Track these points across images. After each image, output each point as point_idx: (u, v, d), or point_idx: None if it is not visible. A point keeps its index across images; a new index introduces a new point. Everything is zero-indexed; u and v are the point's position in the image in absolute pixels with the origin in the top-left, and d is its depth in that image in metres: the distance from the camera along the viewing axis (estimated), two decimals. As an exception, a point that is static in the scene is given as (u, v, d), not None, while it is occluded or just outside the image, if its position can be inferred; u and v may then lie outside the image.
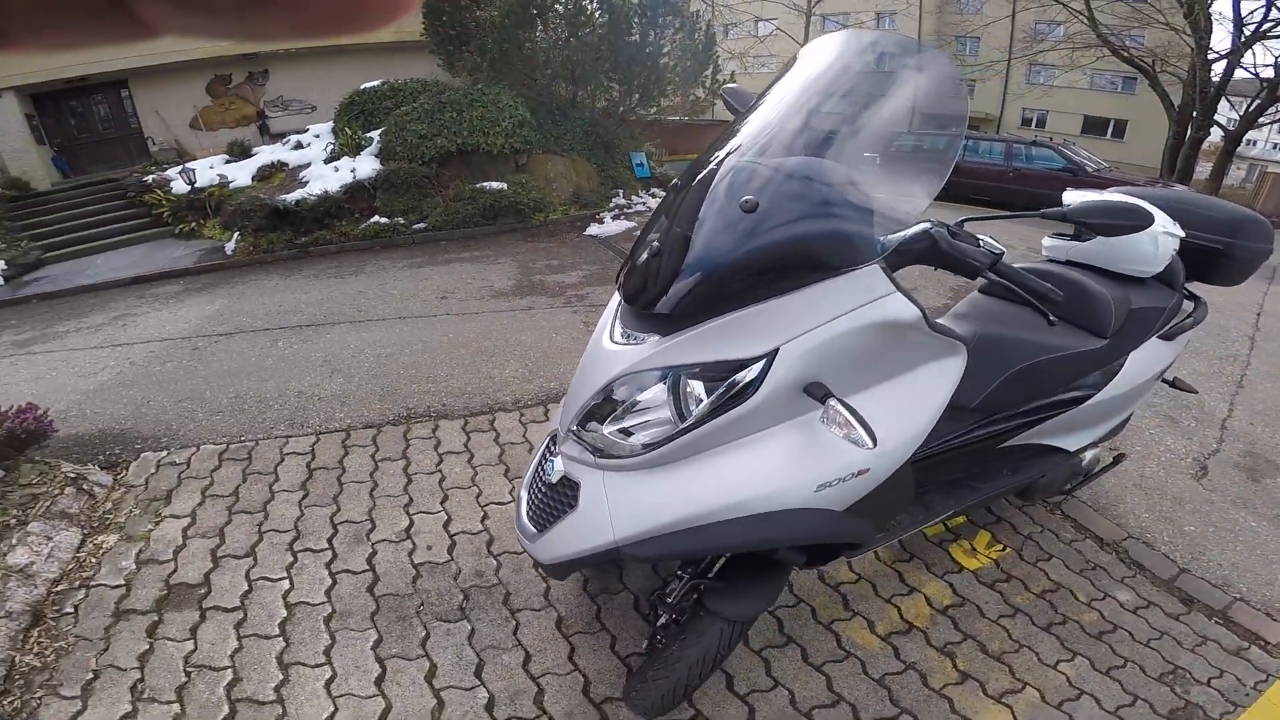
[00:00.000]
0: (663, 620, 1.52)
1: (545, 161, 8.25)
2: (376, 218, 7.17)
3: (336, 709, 1.68)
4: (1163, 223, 1.93)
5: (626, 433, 1.20)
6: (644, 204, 8.83)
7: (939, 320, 1.39)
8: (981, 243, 1.27)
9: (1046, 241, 2.25)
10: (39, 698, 1.73)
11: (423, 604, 2.01)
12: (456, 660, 1.81)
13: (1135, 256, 2.01)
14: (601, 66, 8.15)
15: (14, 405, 2.92)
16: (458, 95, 7.60)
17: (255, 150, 9.03)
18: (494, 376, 3.67)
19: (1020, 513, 2.55)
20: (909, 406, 1.27)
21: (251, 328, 4.84)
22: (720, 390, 1.13)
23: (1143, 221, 1.29)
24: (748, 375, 1.12)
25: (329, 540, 2.33)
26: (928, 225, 1.26)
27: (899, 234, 1.26)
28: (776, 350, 1.11)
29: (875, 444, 1.02)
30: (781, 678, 1.78)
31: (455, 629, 1.90)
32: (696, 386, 1.14)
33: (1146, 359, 2.03)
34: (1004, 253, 1.28)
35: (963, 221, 1.38)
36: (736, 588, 1.37)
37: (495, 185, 7.47)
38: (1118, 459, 2.46)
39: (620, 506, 1.19)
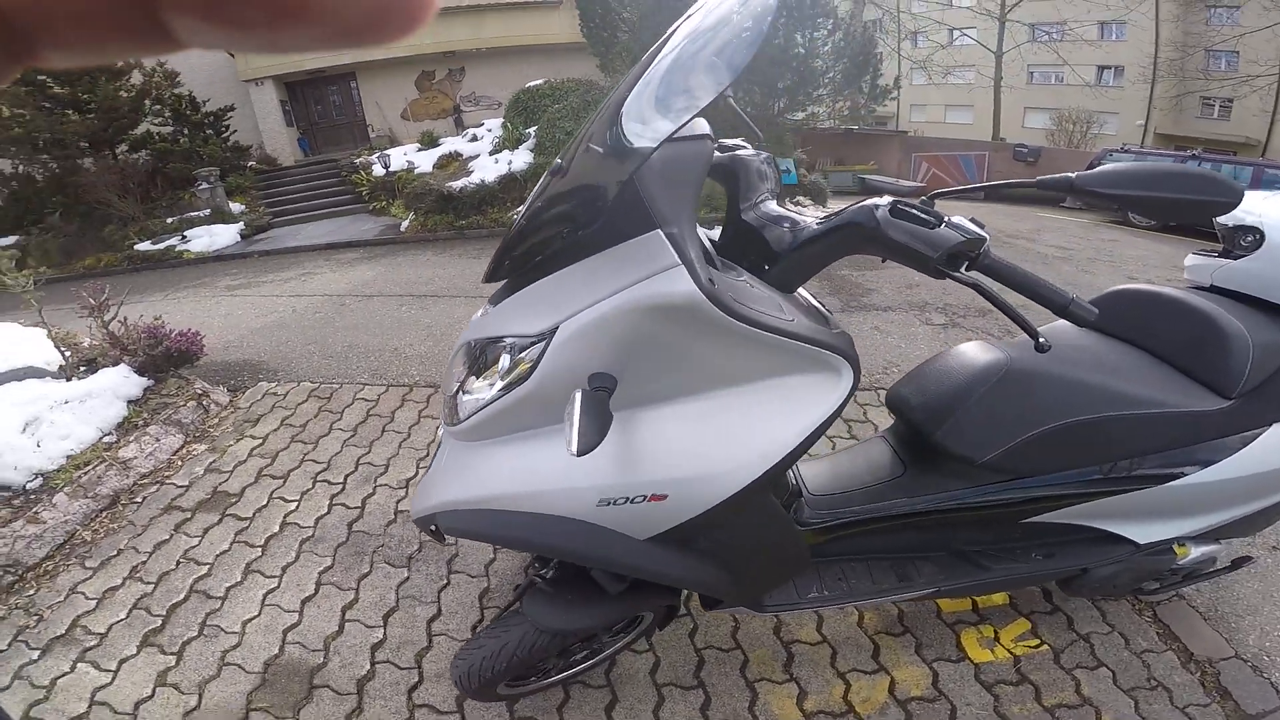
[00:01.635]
0: (509, 601, 1.43)
1: (681, 160, 8.23)
2: (518, 210, 7.67)
3: (258, 614, 1.82)
4: None
5: (459, 400, 1.13)
6: None
7: (824, 322, 1.04)
8: (949, 223, 0.91)
9: (1189, 260, 1.61)
10: (69, 564, 2.09)
11: (382, 545, 2.11)
12: (377, 600, 1.87)
13: None
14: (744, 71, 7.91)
15: (180, 330, 3.58)
16: (602, 94, 7.85)
17: (441, 141, 10.09)
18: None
19: (1093, 606, 1.89)
20: (738, 431, 0.98)
21: (390, 292, 5.44)
22: (506, 367, 0.98)
23: (1218, 195, 0.86)
24: (529, 355, 0.95)
25: (346, 476, 2.54)
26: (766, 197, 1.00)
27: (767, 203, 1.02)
28: (556, 328, 0.91)
29: (578, 451, 0.76)
30: (668, 718, 1.53)
31: (394, 574, 1.98)
32: (504, 360, 1.00)
33: None
34: (981, 239, 0.89)
35: (932, 196, 1.04)
36: (558, 596, 1.22)
37: (627, 181, 7.61)
38: (1238, 562, 1.72)
39: (446, 474, 1.10)
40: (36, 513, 2.36)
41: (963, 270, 0.91)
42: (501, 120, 9.37)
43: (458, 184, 7.75)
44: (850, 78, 9.44)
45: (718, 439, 0.97)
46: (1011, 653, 1.73)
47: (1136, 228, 10.46)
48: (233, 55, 11.44)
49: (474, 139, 9.37)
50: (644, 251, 0.85)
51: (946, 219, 0.92)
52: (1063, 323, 1.51)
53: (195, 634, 1.79)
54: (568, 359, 0.91)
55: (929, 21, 21.22)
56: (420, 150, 9.73)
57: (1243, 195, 0.90)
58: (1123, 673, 1.70)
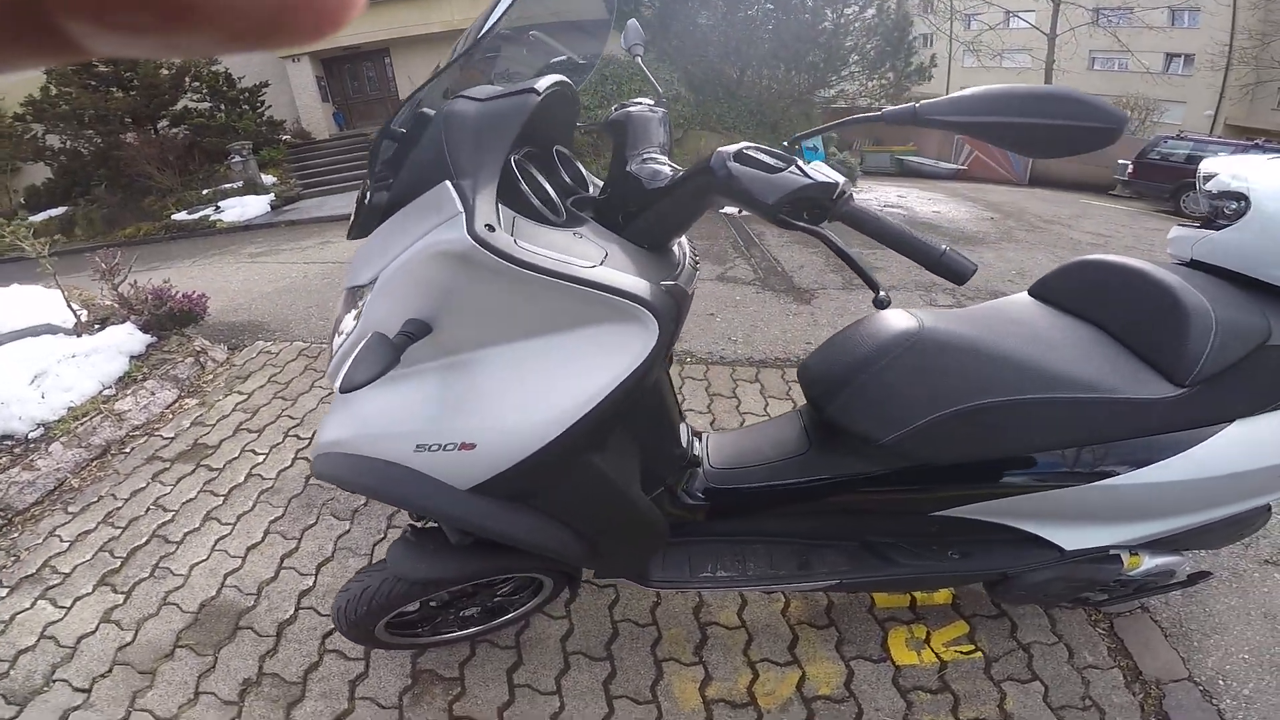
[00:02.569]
0: None
1: (700, 138, 8.08)
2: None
3: (207, 558, 1.89)
4: None
5: (333, 345, 1.12)
6: None
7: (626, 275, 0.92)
8: (797, 168, 0.83)
9: (1172, 233, 1.42)
10: (53, 509, 2.20)
11: (332, 499, 2.15)
12: (315, 550, 1.90)
13: None
14: (762, 46, 7.68)
15: (185, 292, 3.71)
16: (619, 69, 7.73)
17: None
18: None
19: (1043, 613, 1.72)
20: (541, 384, 0.93)
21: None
22: (354, 314, 0.96)
23: (1091, 120, 0.71)
24: (362, 302, 0.94)
25: (314, 432, 2.62)
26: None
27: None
28: (377, 277, 0.91)
29: (340, 388, 0.77)
30: (571, 688, 1.49)
31: (336, 526, 2.01)
32: (355, 307, 0.97)
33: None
34: (831, 185, 0.81)
35: (796, 138, 1.00)
36: (419, 546, 1.20)
37: (643, 157, 7.53)
38: (1195, 578, 1.54)
39: (330, 413, 1.07)
40: (32, 460, 2.48)
41: (806, 219, 0.84)
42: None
43: (476, 159, 7.80)
44: (884, 56, 9.09)
45: (522, 391, 0.94)
46: (940, 657, 1.59)
47: (1188, 217, 9.86)
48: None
49: (497, 114, 9.38)
50: (435, 201, 0.85)
51: (796, 164, 0.85)
52: (1019, 296, 1.43)
53: (147, 575, 1.86)
54: (385, 306, 0.90)
55: (981, 3, 20.19)
56: (445, 125, 9.80)
57: (1124, 122, 0.77)
58: (1056, 689, 1.54)
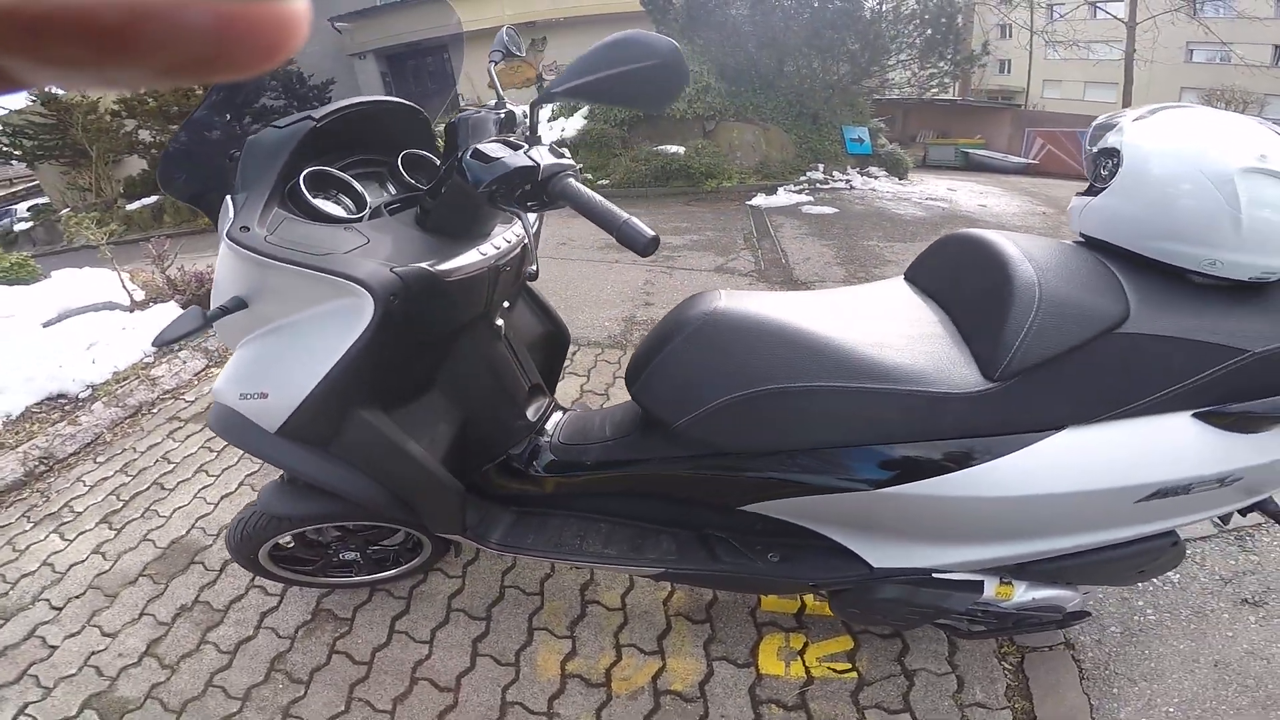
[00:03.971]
0: None
1: (732, 129, 8.00)
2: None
3: (188, 504, 2.16)
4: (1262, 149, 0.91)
5: None
6: (846, 182, 8.05)
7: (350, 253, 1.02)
8: (508, 158, 0.93)
9: (1070, 204, 1.16)
10: (86, 459, 2.54)
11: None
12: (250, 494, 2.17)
13: (1184, 225, 0.95)
14: (797, 35, 7.50)
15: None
16: (651, 62, 7.77)
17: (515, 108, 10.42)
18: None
19: (947, 639, 1.54)
20: (304, 345, 1.06)
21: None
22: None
23: (642, 60, 0.75)
24: None
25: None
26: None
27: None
28: None
29: (152, 343, 1.01)
30: (443, 640, 1.58)
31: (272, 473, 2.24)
32: None
33: (1127, 453, 0.96)
34: (532, 168, 0.91)
35: (539, 100, 1.04)
36: (282, 490, 1.37)
37: (673, 149, 7.54)
38: (1070, 618, 1.32)
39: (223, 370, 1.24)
40: (77, 416, 2.88)
41: (518, 200, 0.96)
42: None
43: (514, 151, 8.06)
44: (934, 44, 8.69)
45: (293, 353, 1.08)
46: (809, 672, 1.48)
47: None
48: (338, 30, 12.36)
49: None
50: (226, 209, 1.04)
51: (525, 151, 0.96)
52: (892, 279, 1.35)
53: (139, 516, 2.16)
54: (219, 286, 1.09)
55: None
56: (493, 120, 10.14)
57: (672, 51, 0.76)
58: None
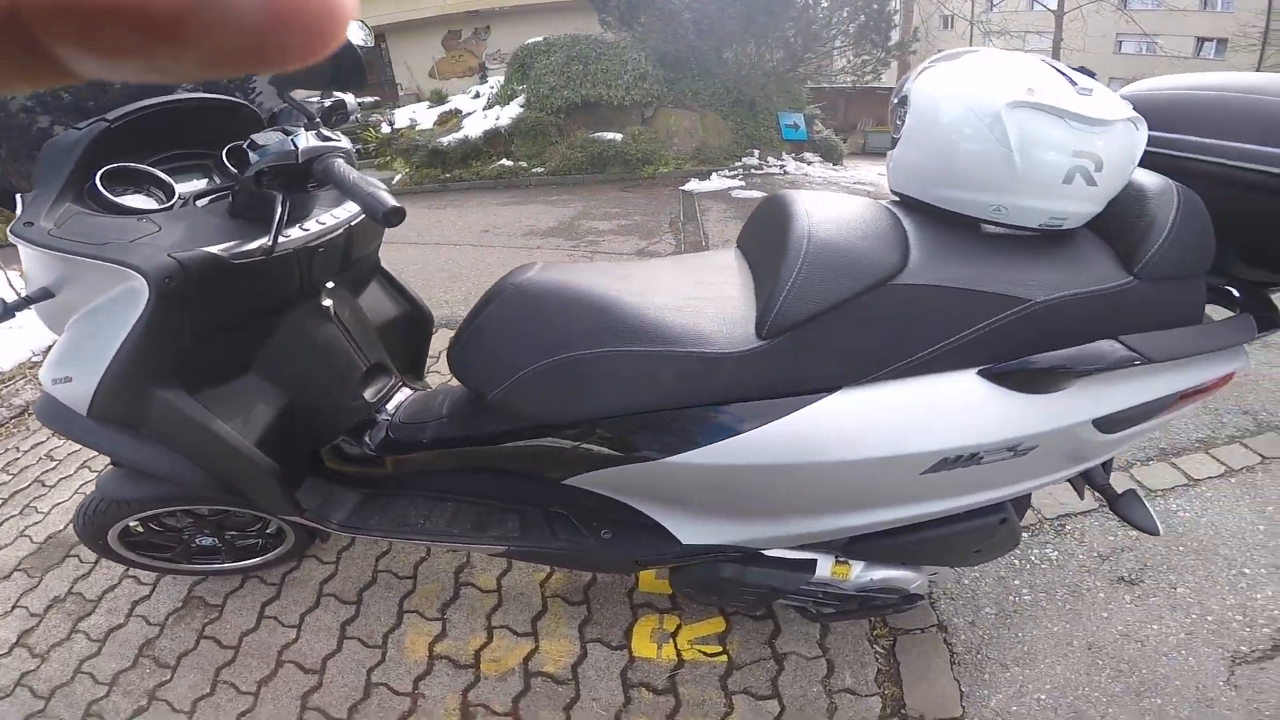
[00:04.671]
0: None
1: (670, 116, 8.03)
2: (504, 161, 7.74)
3: (68, 500, 2.10)
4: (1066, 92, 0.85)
5: None
6: (780, 167, 8.18)
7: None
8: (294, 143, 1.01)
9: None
10: None
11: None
12: None
13: (965, 170, 0.90)
14: (732, 22, 7.56)
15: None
16: (587, 49, 7.72)
17: (450, 98, 10.21)
18: (435, 297, 3.83)
19: (818, 622, 1.50)
20: (97, 328, 1.07)
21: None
22: None
23: None
24: None
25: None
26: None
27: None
28: None
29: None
30: (311, 624, 1.58)
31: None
32: None
33: (906, 416, 0.91)
34: (288, 154, 1.00)
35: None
36: (120, 474, 1.38)
37: (608, 136, 7.53)
38: (906, 599, 1.29)
39: None
40: (-41, 415, 2.75)
41: (284, 183, 1.06)
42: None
43: (446, 139, 7.90)
44: (866, 31, 8.88)
45: (90, 338, 1.09)
46: (680, 655, 1.47)
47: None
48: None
49: (476, 95, 9.43)
50: (17, 206, 1.09)
51: (292, 139, 1.03)
52: (724, 248, 1.28)
53: (17, 513, 2.08)
54: (28, 278, 1.12)
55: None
56: (429, 108, 9.90)
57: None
58: (795, 711, 1.35)
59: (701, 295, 1.05)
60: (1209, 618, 1.50)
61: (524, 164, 7.69)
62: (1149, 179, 0.93)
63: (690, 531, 1.13)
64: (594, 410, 1.01)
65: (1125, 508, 1.15)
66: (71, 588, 1.73)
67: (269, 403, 1.26)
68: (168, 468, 1.18)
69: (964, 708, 1.35)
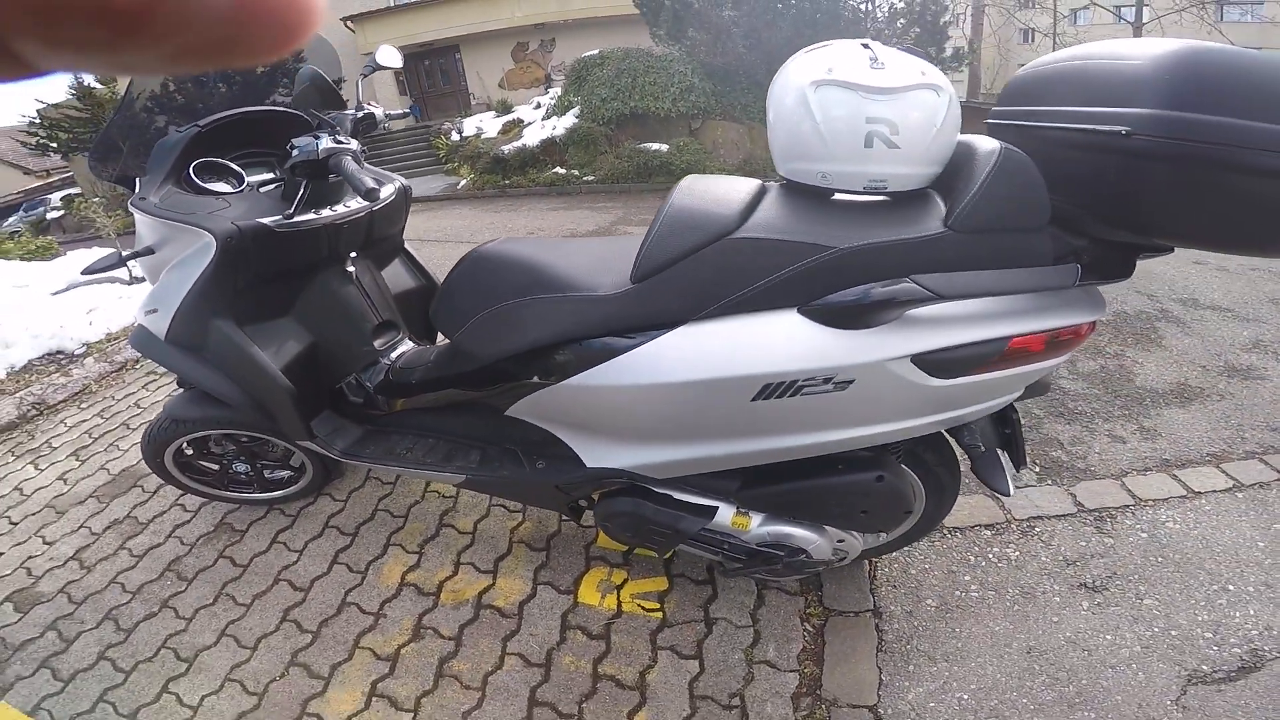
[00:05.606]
0: None
1: (718, 128, 8.15)
2: (558, 169, 8.09)
3: (134, 444, 2.45)
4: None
5: None
6: None
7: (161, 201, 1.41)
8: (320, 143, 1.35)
9: None
10: (72, 406, 2.91)
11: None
12: None
13: (794, 144, 1.04)
14: (782, 32, 7.59)
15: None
16: (637, 62, 7.94)
17: (515, 108, 10.71)
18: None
19: (755, 591, 1.56)
20: (179, 274, 1.41)
21: (410, 238, 6.18)
22: None
23: None
24: None
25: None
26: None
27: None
28: None
29: (81, 272, 1.43)
30: (311, 551, 1.80)
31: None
32: None
33: (732, 344, 1.03)
34: (316, 150, 1.34)
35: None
36: (186, 397, 1.71)
37: (656, 146, 7.73)
38: (794, 559, 1.30)
39: None
40: (69, 369, 3.23)
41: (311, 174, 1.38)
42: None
43: (506, 147, 8.32)
44: (921, 43, 8.71)
45: (173, 280, 1.45)
46: (621, 606, 1.55)
47: None
48: (351, 29, 12.72)
49: (537, 106, 9.85)
50: (136, 186, 1.50)
51: (319, 141, 1.36)
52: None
53: (103, 450, 2.46)
54: (138, 239, 1.52)
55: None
56: (495, 117, 10.42)
57: None
58: (713, 676, 1.38)
59: (608, 254, 1.24)
60: (1173, 632, 1.42)
61: (575, 172, 8.00)
62: (982, 143, 1.00)
63: (591, 455, 1.29)
64: (520, 345, 1.20)
65: (982, 466, 1.22)
66: (130, 512, 2.06)
67: (297, 340, 1.55)
68: (217, 386, 1.49)
69: (879, 696, 1.33)
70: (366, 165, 1.68)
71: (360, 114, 1.62)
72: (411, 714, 1.37)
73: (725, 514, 1.28)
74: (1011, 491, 1.23)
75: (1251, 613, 1.46)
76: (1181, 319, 2.99)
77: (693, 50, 8.04)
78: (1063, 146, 0.92)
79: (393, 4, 13.38)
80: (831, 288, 0.97)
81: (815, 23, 7.58)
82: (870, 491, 1.19)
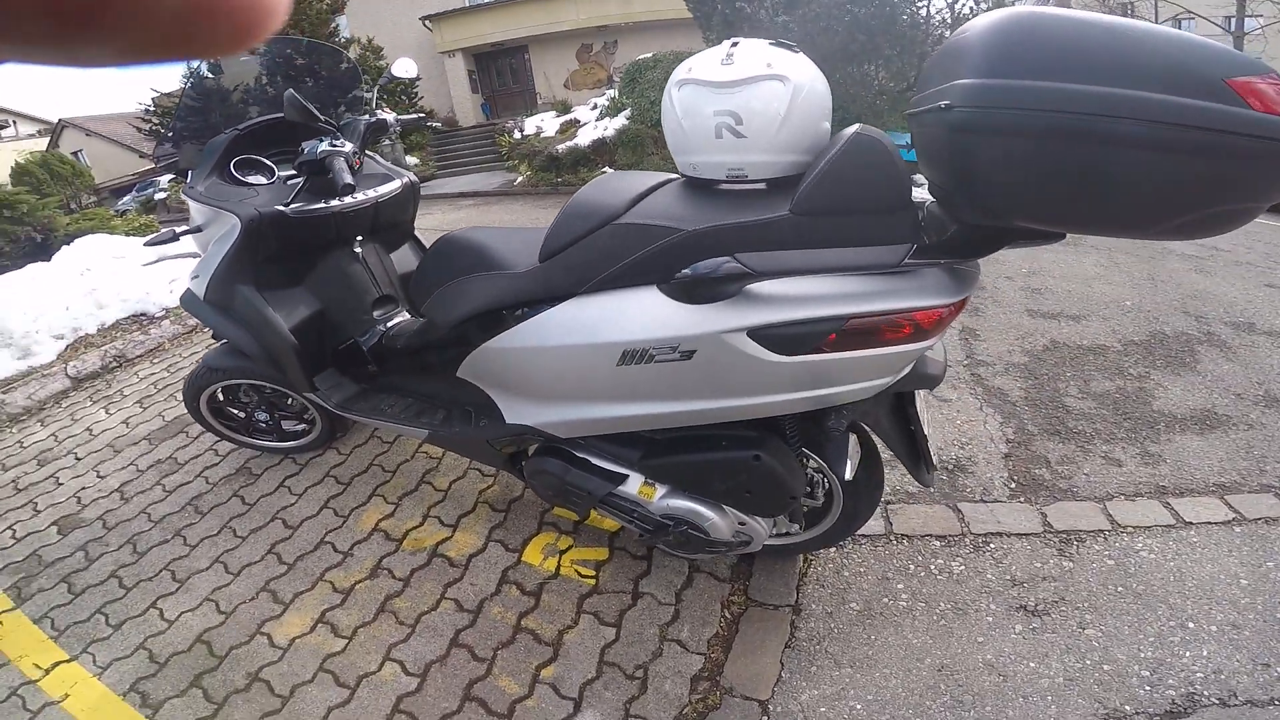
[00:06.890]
0: None
1: (765, 132, 8.08)
2: (606, 169, 8.24)
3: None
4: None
5: None
6: None
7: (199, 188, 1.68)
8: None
9: None
10: (147, 359, 3.29)
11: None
12: None
13: (671, 140, 1.16)
14: (835, 39, 7.42)
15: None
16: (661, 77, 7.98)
17: (573, 109, 10.94)
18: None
19: (689, 571, 1.59)
20: (215, 248, 1.68)
21: (460, 227, 6.49)
22: None
23: None
24: None
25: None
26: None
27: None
28: None
29: (143, 244, 1.69)
30: (308, 496, 1.99)
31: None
32: None
33: (600, 316, 1.13)
34: (316, 150, 1.59)
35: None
36: (223, 349, 1.96)
37: (702, 149, 7.75)
38: (707, 543, 1.36)
39: None
40: (149, 329, 3.64)
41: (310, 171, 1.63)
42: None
43: (561, 146, 8.54)
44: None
45: (211, 253, 1.72)
46: (559, 569, 1.64)
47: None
48: (429, 28, 13.26)
49: (594, 107, 10.04)
50: (188, 177, 1.78)
51: (321, 145, 1.60)
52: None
53: (164, 400, 2.79)
54: (191, 219, 1.81)
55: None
56: (555, 116, 10.69)
57: None
58: (625, 645, 1.43)
59: (538, 240, 1.31)
60: (1105, 667, 1.33)
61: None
62: (847, 132, 1.01)
63: (510, 412, 1.41)
64: (463, 312, 1.35)
65: (829, 449, 1.25)
66: (171, 454, 2.34)
67: (307, 306, 1.79)
68: (239, 339, 1.74)
69: (773, 692, 1.31)
70: (380, 161, 1.91)
71: (373, 120, 1.84)
72: (346, 640, 1.52)
73: (634, 483, 1.35)
74: (848, 477, 1.23)
75: (1204, 654, 1.35)
76: (1228, 343, 2.75)
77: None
78: (921, 127, 0.90)
79: (467, 4, 13.92)
80: (678, 264, 1.03)
81: (871, 29, 7.40)
82: (749, 470, 1.21)
